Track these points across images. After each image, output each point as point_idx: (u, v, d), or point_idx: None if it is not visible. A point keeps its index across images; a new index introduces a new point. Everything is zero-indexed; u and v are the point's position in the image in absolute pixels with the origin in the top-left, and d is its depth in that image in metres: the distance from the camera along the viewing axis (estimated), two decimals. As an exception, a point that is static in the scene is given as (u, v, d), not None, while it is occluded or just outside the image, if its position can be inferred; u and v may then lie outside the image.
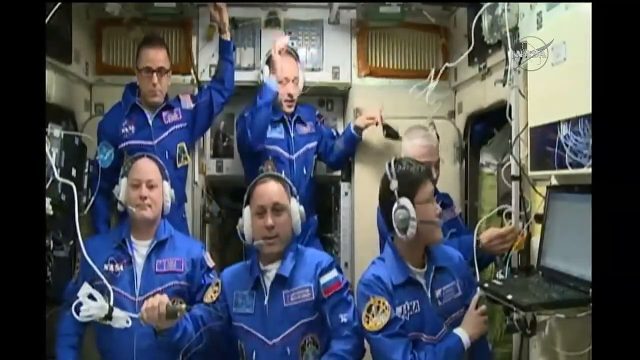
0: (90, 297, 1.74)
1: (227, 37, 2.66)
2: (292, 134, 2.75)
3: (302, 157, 2.76)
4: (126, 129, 2.50)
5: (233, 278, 2.02)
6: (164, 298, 1.80)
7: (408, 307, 1.80)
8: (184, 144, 2.58)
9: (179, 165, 2.55)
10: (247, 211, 2.00)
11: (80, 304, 1.72)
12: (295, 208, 2.00)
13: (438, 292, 1.85)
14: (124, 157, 2.46)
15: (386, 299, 1.78)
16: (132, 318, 1.80)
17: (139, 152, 2.35)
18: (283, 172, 2.62)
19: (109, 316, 1.75)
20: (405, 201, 1.79)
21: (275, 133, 2.74)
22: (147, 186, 2.12)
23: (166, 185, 2.20)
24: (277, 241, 1.94)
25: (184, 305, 1.82)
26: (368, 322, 1.78)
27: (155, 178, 2.16)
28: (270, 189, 1.98)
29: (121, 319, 1.77)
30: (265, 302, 1.93)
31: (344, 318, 1.89)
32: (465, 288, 1.90)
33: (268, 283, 1.95)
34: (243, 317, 1.95)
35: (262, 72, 2.75)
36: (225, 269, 2.09)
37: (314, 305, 1.93)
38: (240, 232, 2.01)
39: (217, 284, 2.02)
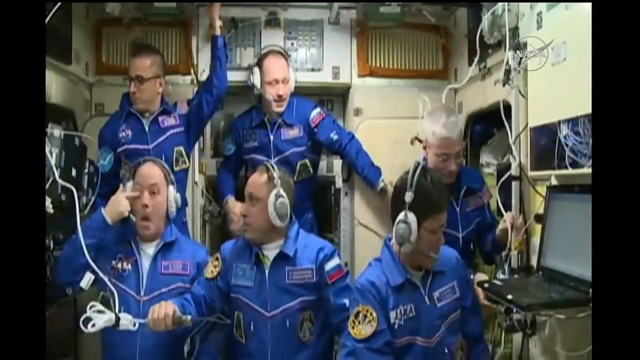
0: (98, 311, 1.76)
1: (215, 32, 2.62)
2: (272, 138, 2.72)
3: (284, 161, 2.70)
4: (123, 134, 2.53)
5: (233, 251, 2.09)
6: (170, 308, 1.85)
7: (402, 311, 1.78)
8: (182, 148, 2.58)
9: (176, 169, 2.53)
10: None
11: (89, 318, 1.75)
12: (272, 200, 1.98)
13: (436, 294, 1.83)
14: (122, 161, 2.53)
15: (375, 309, 1.75)
16: (139, 323, 1.83)
17: (136, 156, 2.37)
18: None
19: (116, 324, 1.79)
20: (412, 219, 1.70)
21: (252, 142, 2.75)
22: (149, 192, 2.11)
23: (171, 190, 2.17)
24: (249, 229, 2.04)
25: (189, 317, 1.88)
26: (353, 327, 1.77)
27: (159, 182, 2.14)
28: (252, 180, 2.08)
29: (128, 324, 1.81)
30: (266, 276, 2.00)
31: (348, 303, 1.94)
32: (462, 289, 1.88)
33: (268, 260, 2.03)
34: (241, 289, 2.02)
35: (252, 73, 2.75)
36: (224, 243, 2.15)
37: (314, 286, 2.02)
38: None
39: (216, 259, 2.08)
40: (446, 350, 1.81)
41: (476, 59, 2.29)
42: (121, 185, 2.15)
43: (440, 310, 1.82)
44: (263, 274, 2.02)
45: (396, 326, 1.77)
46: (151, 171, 2.15)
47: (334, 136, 2.74)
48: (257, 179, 2.06)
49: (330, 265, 2.03)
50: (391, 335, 1.77)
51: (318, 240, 2.15)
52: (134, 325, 1.80)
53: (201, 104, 2.60)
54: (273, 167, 2.05)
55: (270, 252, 2.05)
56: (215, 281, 2.03)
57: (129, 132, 2.53)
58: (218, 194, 2.87)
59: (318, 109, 2.80)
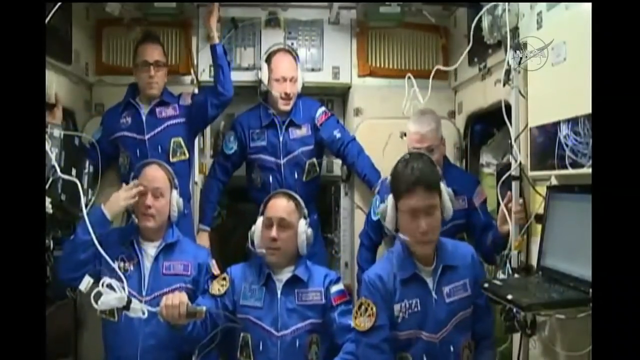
0: (109, 286, 1.74)
1: (213, 40, 2.61)
2: (281, 139, 2.70)
3: (293, 161, 2.71)
4: (123, 120, 2.58)
5: (242, 272, 2.11)
6: (184, 297, 1.86)
7: (407, 305, 1.81)
8: (180, 139, 2.59)
9: (173, 160, 2.53)
10: (259, 221, 2.12)
11: (99, 294, 1.73)
12: (303, 229, 2.09)
13: (446, 290, 1.84)
14: (118, 146, 2.59)
15: (376, 304, 1.80)
16: (148, 311, 1.82)
17: (132, 145, 2.52)
18: (271, 178, 2.67)
19: (127, 307, 1.77)
20: (389, 200, 1.84)
21: (259, 141, 2.72)
22: (153, 195, 2.12)
23: (174, 194, 2.18)
24: (278, 253, 2.06)
25: (204, 308, 1.87)
26: (356, 318, 1.85)
27: (163, 186, 2.15)
28: (280, 205, 2.10)
29: (138, 310, 1.80)
30: (278, 297, 2.03)
31: (352, 324, 1.95)
32: (475, 288, 1.87)
33: (279, 282, 2.06)
34: (250, 309, 2.03)
35: (260, 70, 2.74)
36: (233, 265, 2.16)
37: (321, 309, 2.06)
38: (251, 238, 2.13)
39: (224, 278, 2.09)
40: (452, 348, 1.83)
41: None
42: (123, 184, 2.17)
43: (449, 306, 1.83)
44: (274, 295, 2.05)
45: (400, 319, 1.81)
46: (156, 174, 2.17)
47: (337, 134, 2.73)
48: (284, 205, 2.10)
49: (335, 288, 2.09)
50: (395, 328, 1.82)
51: (322, 268, 2.21)
52: (143, 313, 1.79)
53: (205, 104, 2.60)
54: (295, 196, 2.15)
55: (282, 275, 2.08)
56: (222, 299, 2.04)
57: (129, 119, 2.57)
58: (205, 196, 2.79)
59: (323, 108, 2.81)
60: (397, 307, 1.81)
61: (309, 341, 2.03)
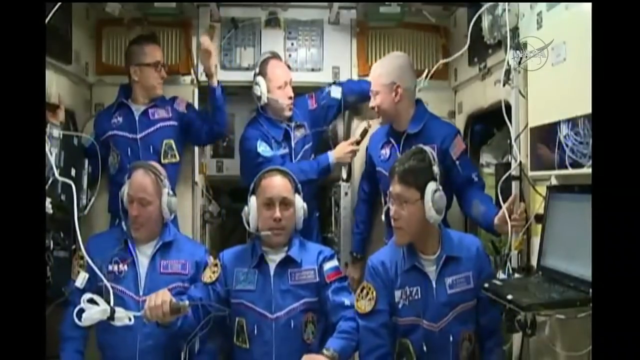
0: (92, 301, 1.74)
1: (213, 82, 2.56)
2: (293, 145, 2.69)
3: (302, 161, 2.71)
4: (115, 120, 2.57)
5: (234, 257, 2.10)
6: (167, 295, 1.85)
7: (408, 292, 1.86)
8: (172, 142, 2.58)
9: (164, 162, 2.51)
10: (253, 201, 2.09)
11: (82, 310, 1.72)
12: (300, 204, 2.10)
13: (448, 281, 1.88)
14: (109, 147, 2.56)
15: (376, 289, 1.88)
16: (134, 316, 1.81)
17: (123, 144, 2.49)
18: None
19: (111, 317, 1.76)
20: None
21: (281, 149, 2.66)
22: (139, 203, 2.09)
23: (165, 196, 2.13)
24: (283, 233, 2.05)
25: (187, 302, 1.87)
26: (358, 301, 1.91)
27: (149, 195, 2.10)
28: (279, 183, 2.07)
29: (123, 317, 1.79)
30: (271, 279, 2.03)
31: (347, 301, 2.00)
32: (479, 281, 1.88)
33: (272, 263, 2.05)
34: (244, 293, 2.03)
35: (257, 84, 2.63)
36: (224, 250, 2.15)
37: (316, 287, 2.05)
38: (246, 220, 2.11)
39: (215, 265, 2.08)
40: (451, 338, 1.86)
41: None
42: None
43: (450, 297, 1.87)
44: (267, 277, 2.03)
45: (400, 305, 1.87)
46: (142, 182, 2.11)
47: (328, 88, 2.79)
48: (282, 183, 2.08)
49: (329, 265, 2.08)
50: (396, 313, 1.88)
51: (316, 245, 2.22)
52: (130, 319, 1.79)
53: (200, 131, 2.61)
54: (287, 171, 2.13)
55: (276, 256, 2.07)
56: (214, 286, 2.03)
57: (120, 119, 2.56)
58: None
59: (306, 95, 2.81)
60: (397, 293, 1.87)
61: (304, 321, 2.03)
